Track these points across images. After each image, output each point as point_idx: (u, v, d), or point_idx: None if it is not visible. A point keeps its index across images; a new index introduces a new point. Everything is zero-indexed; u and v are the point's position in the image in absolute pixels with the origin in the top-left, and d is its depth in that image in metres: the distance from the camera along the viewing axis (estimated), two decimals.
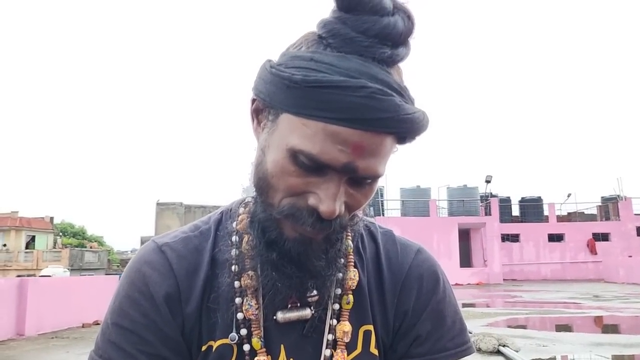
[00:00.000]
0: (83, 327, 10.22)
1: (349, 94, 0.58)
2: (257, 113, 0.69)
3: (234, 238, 0.76)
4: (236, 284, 0.73)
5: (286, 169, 0.62)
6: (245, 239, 0.73)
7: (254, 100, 0.68)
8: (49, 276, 21.67)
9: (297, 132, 0.61)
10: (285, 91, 0.61)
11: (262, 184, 0.66)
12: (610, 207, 32.40)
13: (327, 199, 0.62)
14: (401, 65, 0.65)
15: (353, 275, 0.75)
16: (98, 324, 10.47)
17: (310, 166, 0.61)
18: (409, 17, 0.63)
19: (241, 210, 0.78)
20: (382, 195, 28.88)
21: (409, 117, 0.61)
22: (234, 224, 0.77)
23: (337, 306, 0.74)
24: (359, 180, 0.63)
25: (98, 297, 10.71)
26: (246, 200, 0.78)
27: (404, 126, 0.61)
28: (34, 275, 29.57)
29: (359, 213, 0.71)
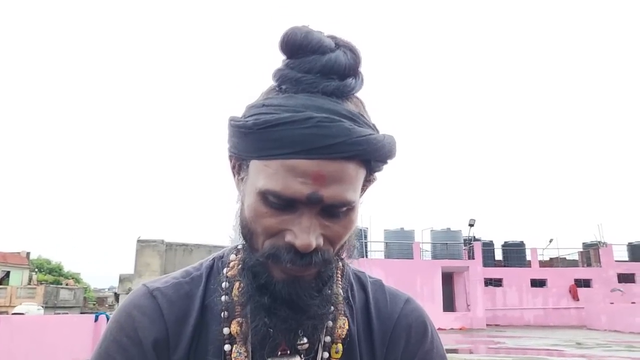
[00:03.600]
0: None
1: (296, 127, 0.62)
2: (235, 168, 0.72)
3: (224, 284, 0.76)
4: (225, 330, 0.73)
5: (259, 211, 0.65)
6: (236, 285, 0.74)
7: (230, 157, 0.72)
8: (22, 314, 20.95)
9: (262, 174, 0.64)
10: (245, 139, 0.66)
11: (245, 231, 0.69)
12: (591, 253, 32.65)
13: (301, 233, 0.64)
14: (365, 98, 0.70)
15: (342, 324, 0.75)
16: None
17: (280, 204, 0.64)
18: (351, 50, 0.68)
19: (232, 257, 0.79)
20: (365, 237, 28.79)
21: (362, 139, 0.63)
22: (225, 270, 0.78)
23: (326, 355, 0.74)
24: (332, 210, 0.65)
25: (72, 336, 10.36)
26: (238, 247, 0.79)
27: (360, 148, 0.63)
28: (6, 312, 28.54)
29: (346, 247, 0.72)
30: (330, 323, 0.74)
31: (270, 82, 0.70)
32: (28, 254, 50.49)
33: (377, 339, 0.78)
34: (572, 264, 33.57)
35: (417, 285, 25.41)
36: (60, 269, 57.80)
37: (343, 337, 0.75)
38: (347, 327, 0.76)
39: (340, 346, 0.75)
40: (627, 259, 32.22)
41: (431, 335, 0.81)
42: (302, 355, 0.72)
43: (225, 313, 0.74)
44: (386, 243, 29.75)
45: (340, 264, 0.79)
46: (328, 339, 0.74)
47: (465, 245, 29.74)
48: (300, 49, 0.66)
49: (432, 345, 0.80)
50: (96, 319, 12.03)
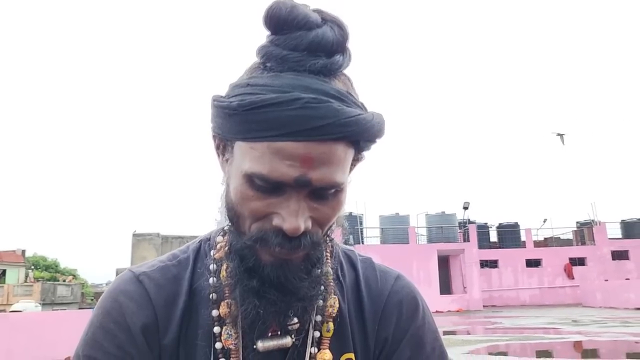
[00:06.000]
0: None
1: (284, 109, 0.59)
2: (220, 149, 0.70)
3: (212, 267, 0.75)
4: (214, 312, 0.72)
5: (246, 194, 0.64)
6: (224, 267, 0.73)
7: (214, 138, 0.70)
8: (20, 311, 20.93)
9: (248, 157, 0.62)
10: (229, 120, 0.63)
11: (231, 213, 0.68)
12: (585, 232, 32.93)
13: (289, 217, 0.62)
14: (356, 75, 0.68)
15: (333, 302, 0.75)
16: None
17: (267, 187, 0.62)
18: (338, 26, 0.66)
19: (219, 238, 0.78)
20: (361, 223, 28.89)
21: (351, 119, 0.61)
22: (213, 253, 0.77)
23: (317, 334, 0.73)
24: (320, 192, 0.63)
25: (70, 333, 10.31)
26: (224, 229, 0.78)
27: (349, 130, 0.61)
28: (4, 310, 28.49)
29: (333, 228, 0.71)
30: (320, 302, 0.73)
31: (254, 59, 0.68)
32: (23, 251, 50.33)
33: (368, 316, 0.78)
34: (567, 243, 33.89)
35: (414, 269, 25.57)
36: (56, 266, 57.70)
37: (334, 315, 0.75)
38: (337, 305, 0.75)
39: (331, 325, 0.74)
40: (620, 236, 32.54)
41: (422, 311, 0.81)
42: (292, 336, 0.71)
43: (214, 295, 0.73)
44: (382, 229, 29.88)
45: (330, 243, 0.78)
46: (319, 318, 0.74)
47: (460, 228, 29.91)
48: (285, 24, 0.63)
49: (423, 320, 0.80)
50: None
